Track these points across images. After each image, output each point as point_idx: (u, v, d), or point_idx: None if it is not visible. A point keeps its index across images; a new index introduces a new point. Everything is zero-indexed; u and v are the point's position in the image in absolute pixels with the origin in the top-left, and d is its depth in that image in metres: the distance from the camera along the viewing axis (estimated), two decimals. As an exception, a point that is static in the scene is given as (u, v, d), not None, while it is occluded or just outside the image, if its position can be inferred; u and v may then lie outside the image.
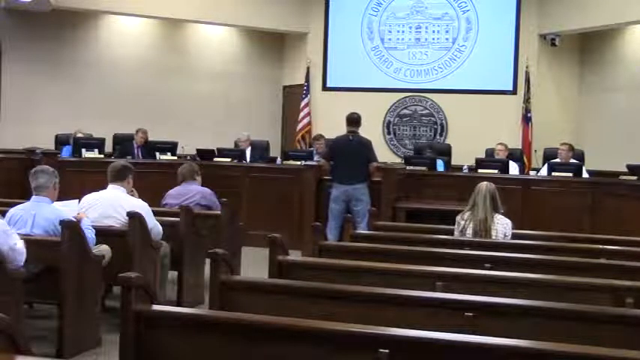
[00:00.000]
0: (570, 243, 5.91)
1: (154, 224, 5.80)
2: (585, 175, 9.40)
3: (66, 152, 10.07)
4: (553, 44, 12.19)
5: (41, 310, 5.81)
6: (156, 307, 3.25)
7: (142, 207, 5.76)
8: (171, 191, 7.29)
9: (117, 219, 5.72)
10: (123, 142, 10.84)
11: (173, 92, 13.07)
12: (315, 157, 10.05)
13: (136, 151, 10.58)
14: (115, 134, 11.22)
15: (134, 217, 5.58)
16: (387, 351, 2.80)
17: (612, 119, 11.78)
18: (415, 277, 4.26)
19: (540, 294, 3.86)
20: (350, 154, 8.42)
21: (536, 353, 2.75)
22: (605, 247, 5.62)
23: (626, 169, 9.08)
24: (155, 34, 13.15)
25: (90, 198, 5.87)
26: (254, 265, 7.07)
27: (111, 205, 5.75)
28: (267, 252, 4.44)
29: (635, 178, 8.79)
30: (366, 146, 8.44)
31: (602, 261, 5.10)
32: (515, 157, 10.47)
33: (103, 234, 5.47)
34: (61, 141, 10.82)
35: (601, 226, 8.29)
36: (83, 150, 9.71)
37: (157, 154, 10.17)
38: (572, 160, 9.78)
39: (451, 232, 5.96)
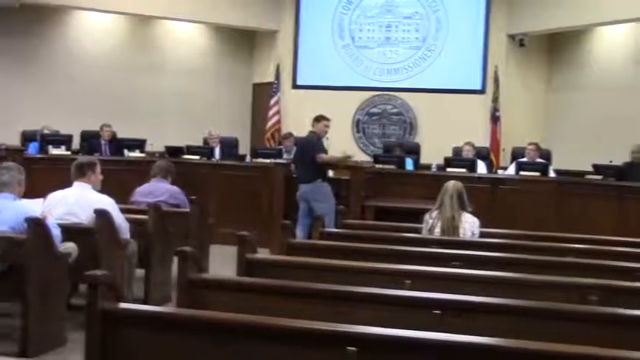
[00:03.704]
0: (537, 241, 5.96)
1: (121, 221, 5.75)
2: (552, 174, 9.50)
3: (32, 149, 9.95)
4: (521, 44, 12.31)
5: (4, 309, 5.72)
6: (122, 305, 3.23)
7: (109, 203, 5.70)
8: (139, 188, 7.24)
9: (83, 216, 5.66)
10: (90, 139, 10.74)
11: (142, 89, 12.98)
12: (285, 155, 10.05)
13: (103, 147, 10.50)
14: (82, 131, 11.11)
15: (101, 214, 5.53)
16: (354, 349, 2.81)
17: (579, 119, 11.91)
18: (383, 275, 4.27)
19: (507, 292, 3.88)
20: (301, 153, 8.63)
21: (504, 351, 2.77)
22: (571, 245, 5.68)
23: (592, 169, 9.19)
24: (124, 30, 13.05)
25: (55, 195, 5.80)
26: (222, 263, 7.05)
27: (76, 202, 5.69)
28: (236, 250, 4.43)
29: (600, 177, 8.90)
30: (308, 144, 8.51)
31: (568, 259, 5.15)
32: (482, 156, 10.55)
33: (69, 231, 5.41)
34: (27, 137, 10.67)
35: (567, 225, 8.37)
36: (50, 147, 9.60)
37: (126, 151, 10.10)
38: (539, 160, 9.89)
39: (419, 231, 5.98)
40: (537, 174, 9.32)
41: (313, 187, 8.35)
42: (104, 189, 6.02)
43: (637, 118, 10.91)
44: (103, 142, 10.56)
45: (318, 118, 8.58)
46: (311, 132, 8.58)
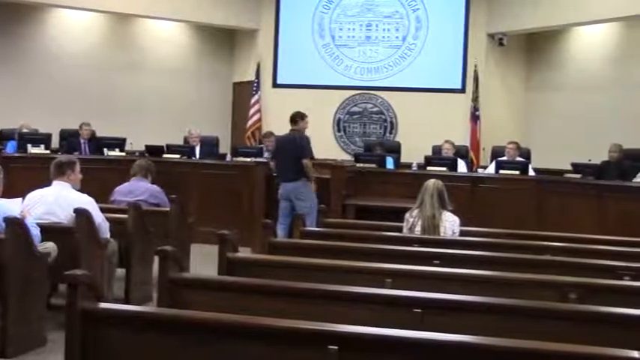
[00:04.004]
0: (516, 240, 5.99)
1: (101, 220, 5.72)
2: (531, 173, 9.55)
3: (10, 148, 9.86)
4: (501, 44, 12.36)
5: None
6: (103, 304, 3.21)
7: (88, 203, 5.67)
8: (119, 187, 7.22)
9: (62, 215, 5.62)
10: (69, 138, 10.67)
11: (122, 88, 12.91)
12: (265, 154, 10.03)
13: (83, 146, 10.44)
14: (61, 130, 11.05)
15: (81, 213, 5.50)
16: (336, 347, 2.81)
17: (557, 118, 12.00)
18: (364, 274, 4.27)
19: (488, 290, 3.90)
20: (285, 151, 8.47)
21: (484, 349, 2.78)
22: (550, 243, 5.73)
23: (570, 168, 9.25)
24: (103, 28, 12.97)
25: (34, 195, 5.76)
26: (203, 262, 7.02)
27: (56, 201, 5.66)
28: (217, 249, 4.41)
29: (579, 176, 8.97)
30: (297, 143, 8.39)
31: (547, 257, 5.18)
32: (461, 154, 10.60)
33: (49, 231, 5.37)
34: (5, 136, 10.57)
35: (547, 223, 8.45)
36: (29, 145, 9.52)
37: (105, 150, 10.05)
38: (519, 158, 9.96)
39: (400, 229, 6.00)
40: (517, 173, 9.37)
41: (299, 185, 8.30)
42: (84, 188, 5.99)
43: (614, 117, 11.02)
44: (82, 140, 10.49)
45: (302, 116, 8.49)
46: (293, 130, 8.49)
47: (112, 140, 10.28)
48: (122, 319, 3.18)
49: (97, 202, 5.86)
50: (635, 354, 2.64)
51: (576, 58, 12.07)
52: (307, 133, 8.66)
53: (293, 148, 8.37)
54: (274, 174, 8.83)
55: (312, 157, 8.46)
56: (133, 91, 13.01)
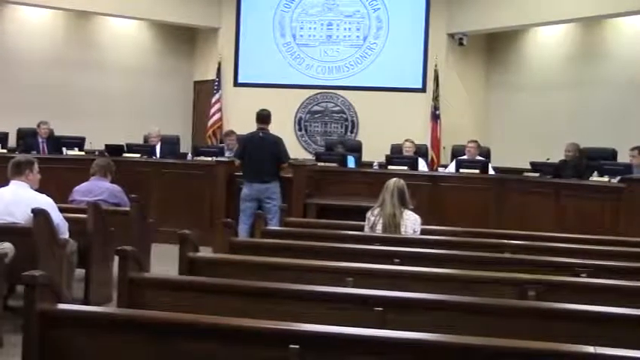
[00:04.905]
0: (476, 238, 6.05)
1: (59, 220, 5.65)
2: (491, 171, 9.65)
3: (-34, 147, 9.72)
4: (461, 44, 12.47)
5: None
6: (61, 305, 3.17)
7: (47, 203, 5.60)
8: (78, 187, 7.14)
9: (20, 215, 5.54)
10: (27, 137, 10.52)
11: (81, 86, 12.76)
12: (227, 153, 9.99)
13: (41, 145, 10.30)
14: (18, 129, 10.89)
15: (39, 213, 5.42)
16: (297, 346, 2.81)
17: (516, 118, 12.15)
18: (326, 273, 4.27)
19: (448, 288, 3.93)
20: (260, 152, 8.28)
21: (445, 347, 2.80)
22: (509, 241, 5.78)
23: (529, 166, 9.36)
24: (62, 26, 12.80)
25: (-9, 195, 5.68)
26: (164, 262, 6.98)
27: (13, 201, 5.58)
28: (178, 249, 4.39)
29: (537, 175, 9.08)
30: (276, 144, 8.33)
31: (506, 255, 5.23)
32: (422, 153, 10.67)
33: (6, 231, 5.30)
34: (-40, 135, 10.42)
35: (506, 221, 8.55)
36: (-16, 145, 9.39)
37: (64, 149, 9.93)
38: (479, 157, 10.05)
39: (361, 228, 6.02)
40: (477, 172, 9.46)
41: (273, 186, 8.25)
42: (42, 188, 5.91)
43: (572, 116, 11.19)
44: (40, 139, 10.36)
45: (270, 115, 8.46)
46: (262, 129, 8.36)
47: (71, 139, 10.17)
48: (81, 320, 3.14)
49: (56, 202, 5.79)
50: (589, 349, 2.69)
51: (535, 58, 12.24)
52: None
53: (271, 150, 8.29)
54: (237, 173, 8.75)
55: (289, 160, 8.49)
56: (92, 89, 12.86)
